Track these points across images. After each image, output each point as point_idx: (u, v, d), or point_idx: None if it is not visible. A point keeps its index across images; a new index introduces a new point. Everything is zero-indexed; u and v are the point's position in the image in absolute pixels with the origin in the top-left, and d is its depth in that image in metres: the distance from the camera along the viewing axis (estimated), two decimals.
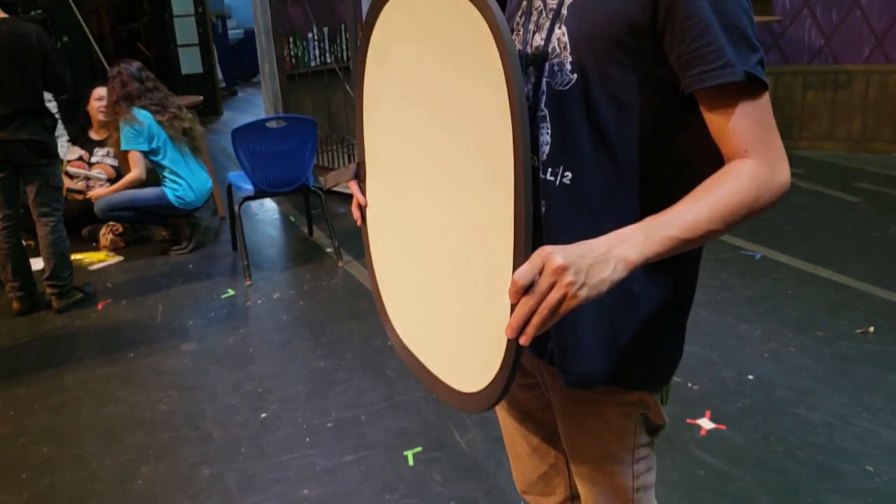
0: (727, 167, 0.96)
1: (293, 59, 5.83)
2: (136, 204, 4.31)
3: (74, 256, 4.08)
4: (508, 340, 0.91)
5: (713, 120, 0.96)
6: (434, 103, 1.08)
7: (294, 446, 2.49)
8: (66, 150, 4.83)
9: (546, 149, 1.04)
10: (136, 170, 4.29)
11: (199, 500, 2.25)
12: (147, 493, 2.30)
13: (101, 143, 4.82)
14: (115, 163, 4.75)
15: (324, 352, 3.15)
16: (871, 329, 3.02)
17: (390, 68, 1.19)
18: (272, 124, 4.07)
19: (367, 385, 2.86)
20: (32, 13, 6.11)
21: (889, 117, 5.77)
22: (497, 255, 0.94)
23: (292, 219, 5.14)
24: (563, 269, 0.83)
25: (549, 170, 1.04)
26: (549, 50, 1.03)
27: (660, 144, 1.02)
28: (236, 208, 4.13)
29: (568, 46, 1.01)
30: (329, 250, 4.35)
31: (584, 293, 0.85)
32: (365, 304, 3.51)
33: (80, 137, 4.90)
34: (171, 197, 4.29)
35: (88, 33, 6.53)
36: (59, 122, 4.69)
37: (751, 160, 0.94)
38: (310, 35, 5.80)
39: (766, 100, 0.96)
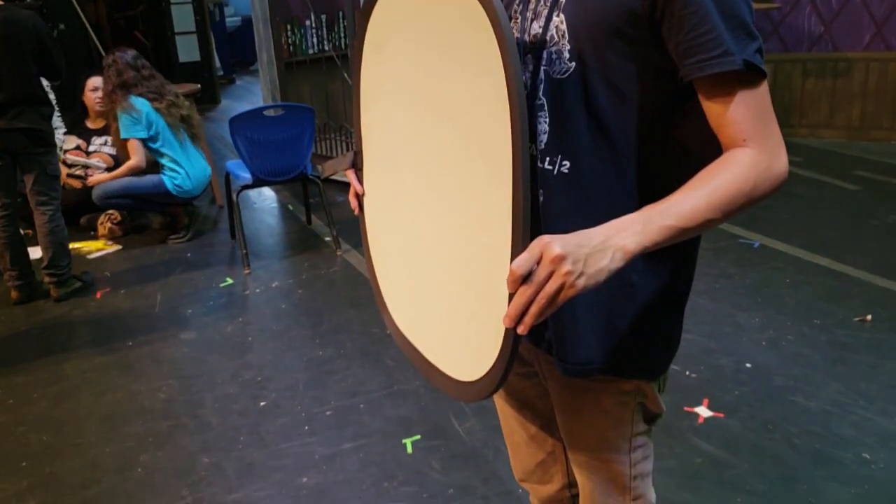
0: (725, 156, 0.95)
1: (291, 47, 5.80)
2: (135, 192, 4.31)
3: (73, 245, 4.08)
4: (506, 329, 0.91)
5: (711, 108, 0.96)
6: (432, 92, 1.08)
7: (293, 434, 2.50)
8: (63, 140, 4.82)
9: (544, 137, 1.04)
10: (136, 157, 4.28)
11: (199, 487, 2.26)
12: (146, 481, 2.31)
13: (99, 133, 4.80)
14: (113, 151, 4.73)
15: (322, 340, 3.15)
16: (869, 317, 3.03)
17: (388, 57, 1.19)
18: (270, 112, 4.06)
19: (365, 373, 2.86)
20: (28, 0, 6.07)
21: (889, 105, 5.76)
22: (495, 244, 0.94)
23: (290, 207, 5.14)
24: (561, 259, 0.83)
25: (548, 158, 1.04)
26: (548, 38, 1.03)
27: (658, 133, 1.02)
28: (234, 197, 4.12)
29: (566, 34, 1.00)
30: (327, 239, 4.35)
31: (581, 282, 0.85)
32: (363, 293, 3.51)
33: (77, 126, 4.88)
34: (169, 185, 4.29)
35: (85, 21, 6.50)
36: (56, 111, 4.67)
37: (749, 149, 0.94)
38: (308, 23, 5.77)
39: (764, 88, 0.96)
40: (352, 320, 3.31)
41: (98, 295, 3.76)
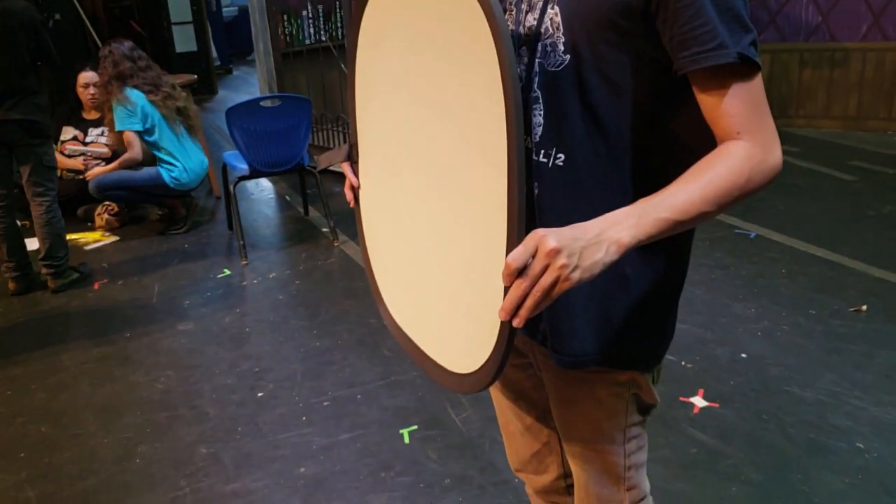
0: (719, 149, 0.96)
1: (288, 38, 5.79)
2: (131, 184, 4.31)
3: (70, 236, 4.07)
4: (502, 322, 0.92)
5: (706, 101, 0.96)
6: (427, 85, 1.08)
7: (290, 425, 2.51)
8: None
9: (539, 130, 1.04)
10: (132, 150, 4.28)
11: (197, 478, 2.27)
12: (145, 472, 2.32)
13: (95, 123, 4.79)
14: (110, 142, 4.72)
15: (320, 331, 3.16)
16: (864, 307, 3.04)
17: (383, 49, 1.19)
18: (267, 103, 4.06)
19: (363, 364, 2.87)
20: None
21: (885, 95, 5.76)
22: (490, 238, 0.95)
23: (288, 198, 5.13)
24: (556, 252, 0.84)
25: (542, 151, 1.04)
26: (542, 30, 1.03)
27: (653, 126, 1.02)
28: (231, 188, 4.12)
29: (561, 27, 1.00)
30: (325, 230, 4.35)
31: (576, 276, 0.85)
32: (361, 284, 3.52)
33: (73, 117, 4.87)
34: (166, 178, 4.28)
35: (81, 11, 6.46)
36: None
37: (743, 141, 0.94)
38: (304, 13, 5.75)
39: (758, 81, 0.96)
40: (349, 311, 3.32)
41: (96, 286, 3.77)
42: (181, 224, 4.52)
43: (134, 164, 4.32)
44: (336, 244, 4.13)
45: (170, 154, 4.31)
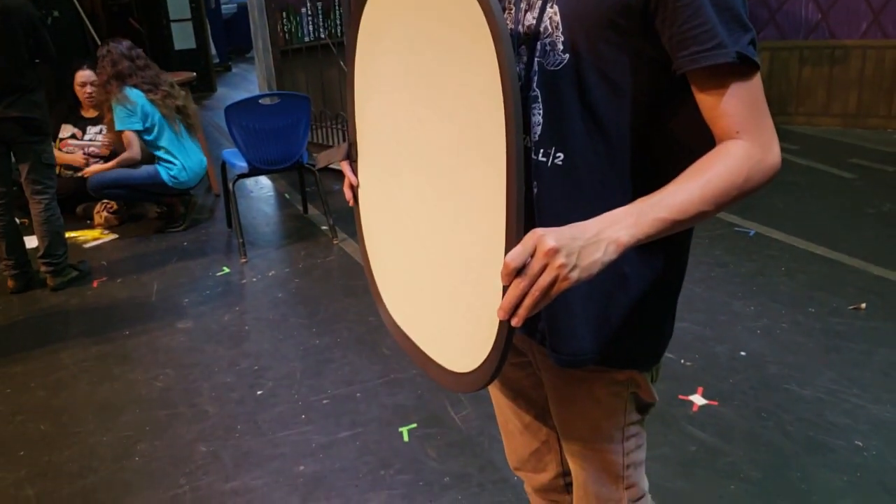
0: (718, 148, 0.96)
1: (287, 35, 5.78)
2: (130, 182, 4.30)
3: (69, 234, 4.07)
4: (500, 321, 0.92)
5: (705, 100, 0.96)
6: (426, 84, 1.08)
7: (290, 423, 2.51)
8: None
9: (538, 129, 1.04)
10: (131, 150, 4.27)
11: (196, 476, 2.28)
12: (144, 470, 2.32)
13: (94, 122, 4.79)
14: (108, 141, 4.72)
15: (319, 329, 3.16)
16: (863, 305, 3.05)
17: (382, 48, 1.19)
18: (265, 101, 4.06)
19: (362, 362, 2.87)
20: None
21: (885, 93, 5.76)
22: (489, 237, 0.95)
23: (287, 196, 5.13)
24: (554, 252, 0.84)
25: (541, 150, 1.04)
26: (541, 29, 1.03)
27: (652, 125, 1.02)
28: (231, 186, 4.12)
29: (560, 26, 1.00)
30: (324, 227, 4.35)
31: (575, 275, 0.85)
32: (360, 282, 3.52)
33: (72, 116, 4.86)
34: (164, 176, 4.28)
35: (79, 8, 6.45)
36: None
37: (742, 141, 0.94)
38: (303, 10, 5.75)
39: (757, 80, 0.96)
40: (348, 309, 3.32)
41: (95, 284, 3.77)
42: (180, 222, 4.52)
43: (133, 163, 4.32)
44: (335, 242, 4.13)
45: (169, 153, 4.30)
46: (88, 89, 4.62)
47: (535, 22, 1.04)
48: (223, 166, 4.37)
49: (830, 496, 2.03)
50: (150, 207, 4.75)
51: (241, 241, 4.03)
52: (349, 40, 1.28)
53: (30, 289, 3.71)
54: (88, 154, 4.71)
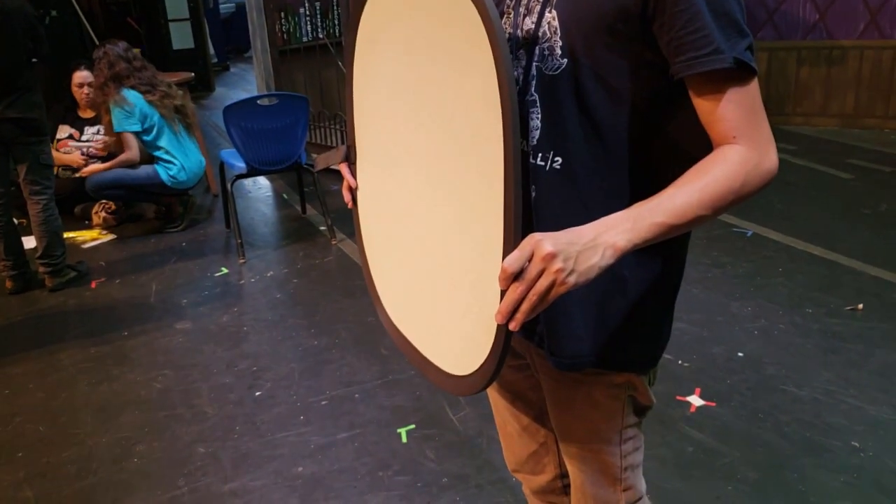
0: (715, 153, 0.96)
1: (285, 35, 5.78)
2: (129, 182, 4.30)
3: (67, 234, 4.07)
4: (498, 325, 0.92)
5: (702, 105, 0.97)
6: (424, 87, 1.08)
7: (288, 424, 2.52)
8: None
9: (536, 134, 1.04)
10: (130, 151, 4.27)
11: (195, 477, 2.28)
12: (143, 471, 2.32)
13: (91, 122, 4.78)
14: (106, 141, 4.71)
15: (317, 330, 3.16)
16: (861, 306, 3.05)
17: (380, 51, 1.19)
18: (264, 102, 4.06)
19: (360, 363, 2.88)
20: None
21: (882, 93, 5.77)
22: (487, 241, 0.95)
23: (285, 196, 5.13)
24: (552, 257, 0.84)
25: (540, 155, 1.04)
26: (540, 34, 1.03)
27: (650, 129, 1.02)
28: (229, 186, 4.12)
29: (558, 31, 1.01)
30: (322, 228, 4.35)
31: (572, 280, 0.86)
32: (358, 282, 3.52)
33: (69, 116, 4.86)
34: (163, 176, 4.28)
35: (77, 7, 6.45)
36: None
37: (739, 146, 0.95)
38: (301, 10, 5.75)
39: (754, 85, 0.96)
40: (346, 310, 3.32)
41: (93, 285, 3.77)
42: (178, 222, 4.52)
43: (131, 165, 4.32)
44: (334, 242, 4.13)
45: (168, 153, 4.30)
46: (86, 90, 4.62)
47: (533, 26, 1.04)
48: (221, 167, 4.37)
49: (827, 497, 2.04)
50: (149, 208, 4.75)
51: (239, 241, 4.04)
52: (348, 43, 1.29)
53: (28, 289, 3.71)
54: (87, 155, 4.70)
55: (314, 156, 5.31)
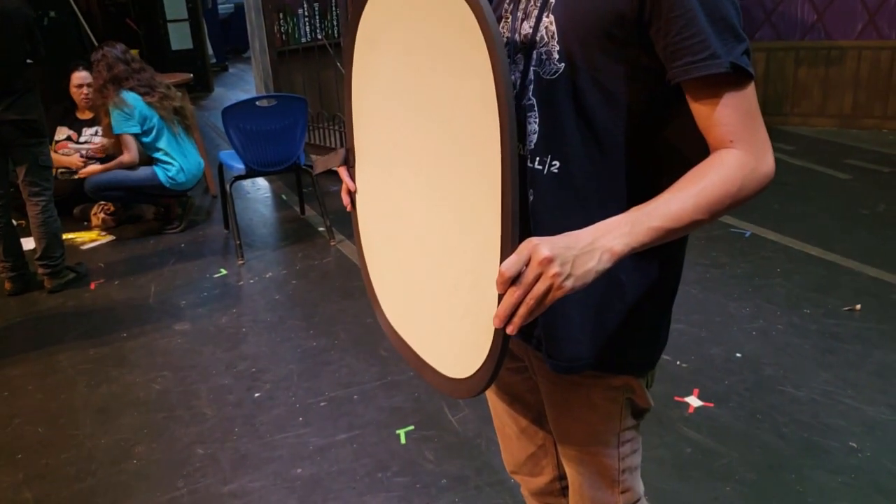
0: (712, 157, 0.97)
1: (283, 36, 5.78)
2: (128, 184, 4.30)
3: (66, 236, 4.07)
4: (496, 329, 0.93)
5: (699, 110, 0.97)
6: (422, 91, 1.09)
7: (287, 425, 2.52)
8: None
9: (534, 138, 1.05)
10: (129, 153, 4.27)
11: (194, 479, 2.28)
12: (142, 473, 2.32)
13: (89, 123, 4.78)
14: (104, 141, 4.71)
15: (316, 331, 3.17)
16: (858, 307, 3.06)
17: (379, 54, 1.19)
18: (262, 103, 4.06)
19: (359, 364, 2.88)
20: None
21: (880, 93, 5.78)
22: (485, 244, 0.96)
23: (284, 197, 5.14)
24: (549, 261, 0.85)
25: (538, 158, 1.05)
26: (537, 38, 1.03)
27: (647, 133, 1.03)
28: (228, 187, 4.12)
29: (556, 35, 1.01)
30: (321, 229, 4.36)
31: (569, 284, 0.86)
32: (357, 283, 3.52)
33: (67, 118, 4.86)
34: (162, 177, 4.29)
35: (76, 8, 6.45)
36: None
37: (736, 150, 0.95)
38: (300, 11, 5.75)
39: (751, 90, 0.97)
40: (345, 311, 3.33)
41: (92, 286, 3.77)
42: (177, 223, 4.53)
43: (131, 166, 4.32)
44: (332, 243, 4.14)
45: (167, 154, 4.31)
46: (85, 90, 4.61)
47: (531, 31, 1.05)
48: (220, 168, 4.37)
49: (825, 497, 2.04)
50: (148, 209, 4.75)
51: (238, 242, 4.04)
52: (347, 46, 1.29)
53: (27, 291, 3.72)
54: (86, 157, 4.70)
55: (313, 157, 5.31)
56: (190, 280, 3.79)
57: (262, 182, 5.47)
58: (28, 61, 3.50)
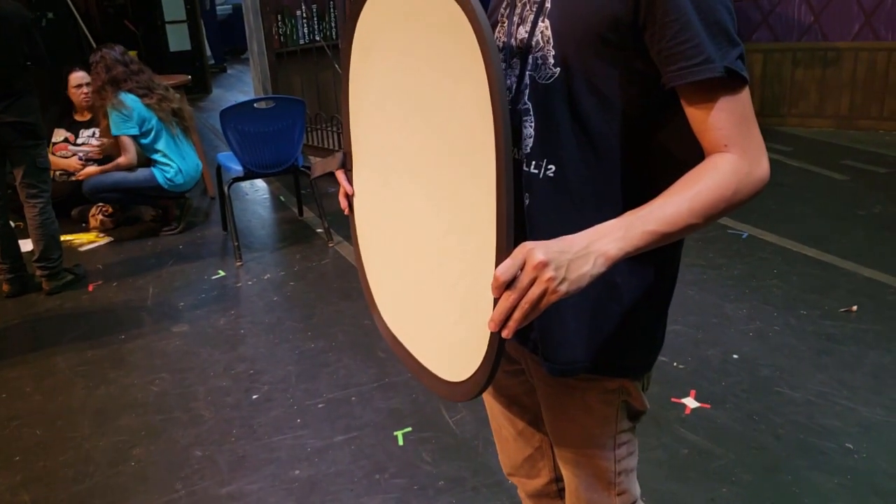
0: (707, 161, 0.97)
1: (282, 38, 5.79)
2: (126, 185, 4.31)
3: (64, 237, 4.08)
4: (491, 333, 0.93)
5: (693, 114, 0.98)
6: (418, 96, 1.09)
7: (285, 427, 2.53)
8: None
9: (530, 142, 1.05)
10: (128, 155, 4.28)
11: (192, 481, 2.29)
12: (139, 475, 2.33)
13: (87, 125, 4.79)
14: (101, 143, 4.72)
15: (314, 333, 3.17)
16: (854, 308, 3.07)
17: (376, 59, 1.20)
18: (261, 105, 4.07)
19: (357, 366, 2.89)
20: None
21: (877, 95, 5.80)
22: (480, 248, 0.96)
23: (282, 199, 5.14)
24: (543, 265, 0.85)
25: (533, 163, 1.05)
26: (533, 43, 1.04)
27: (642, 137, 1.03)
28: (226, 189, 4.13)
29: (551, 40, 1.02)
30: (319, 230, 4.36)
31: (564, 288, 0.87)
32: (355, 285, 3.53)
33: (64, 120, 4.86)
34: (160, 179, 4.29)
35: (74, 9, 6.45)
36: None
37: (730, 154, 0.96)
38: (298, 13, 5.75)
39: (745, 94, 0.97)
40: (343, 312, 3.33)
41: (90, 288, 3.77)
42: (175, 225, 4.53)
43: (129, 168, 4.32)
44: (330, 245, 4.14)
45: (166, 156, 4.31)
46: (84, 90, 4.61)
47: (527, 36, 1.05)
48: (218, 169, 4.38)
49: (821, 499, 2.05)
50: (146, 210, 4.75)
51: (236, 244, 4.04)
52: (344, 51, 1.30)
53: (25, 293, 3.72)
54: (84, 159, 4.71)
55: (311, 158, 5.33)
56: (188, 282, 3.79)
57: (260, 184, 5.48)
58: (28, 64, 3.50)
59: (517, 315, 0.87)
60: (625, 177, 1.04)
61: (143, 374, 2.92)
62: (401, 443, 2.40)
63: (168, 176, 4.30)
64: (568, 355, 1.09)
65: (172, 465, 2.36)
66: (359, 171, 1.32)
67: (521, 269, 0.86)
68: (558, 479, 1.39)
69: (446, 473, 2.24)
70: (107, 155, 4.63)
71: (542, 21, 1.03)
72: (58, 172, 4.60)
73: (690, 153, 1.00)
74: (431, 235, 1.10)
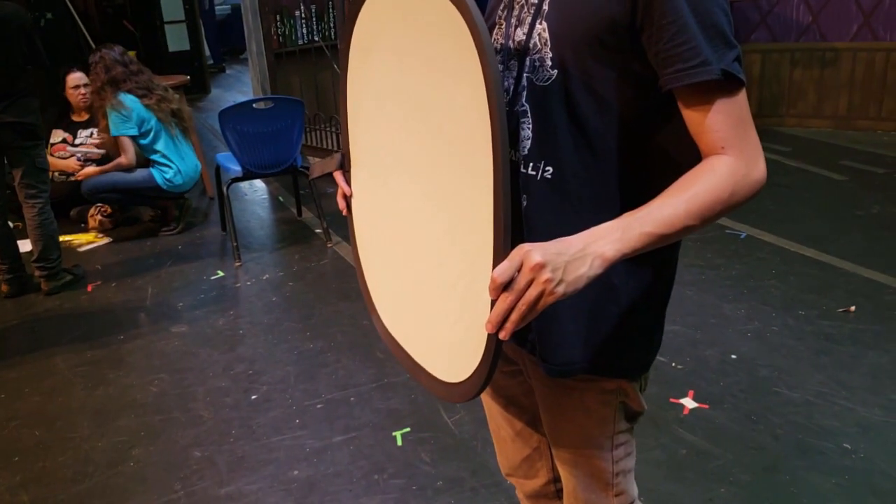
0: (704, 163, 0.97)
1: (280, 38, 5.79)
2: (125, 186, 4.31)
3: (63, 238, 4.08)
4: (489, 334, 0.94)
5: (690, 116, 0.98)
6: (416, 98, 1.09)
7: (284, 427, 2.53)
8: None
9: (527, 143, 1.05)
10: (127, 155, 4.28)
11: (190, 481, 2.29)
12: (139, 475, 2.33)
13: (85, 125, 4.79)
14: (100, 144, 4.72)
15: (313, 333, 3.17)
16: (853, 308, 3.07)
17: (374, 60, 1.20)
18: (259, 105, 4.07)
19: (356, 366, 2.89)
20: None
21: (875, 95, 5.80)
22: (478, 250, 0.97)
23: (281, 199, 5.14)
24: (540, 267, 0.86)
25: (531, 164, 1.06)
26: (531, 45, 1.04)
27: (639, 139, 1.04)
28: (225, 189, 4.13)
29: (549, 42, 1.02)
30: (318, 231, 4.36)
31: (561, 290, 0.87)
32: (354, 285, 3.53)
33: (62, 120, 4.86)
34: (159, 180, 4.29)
35: (73, 10, 6.45)
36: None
37: (727, 156, 0.96)
38: (297, 13, 5.76)
39: (742, 96, 0.98)
40: (342, 313, 3.33)
41: (89, 288, 3.77)
42: (174, 225, 4.53)
43: (128, 168, 4.32)
44: (329, 245, 4.14)
45: (165, 156, 4.31)
46: (83, 90, 4.61)
47: (524, 38, 1.06)
48: (217, 170, 4.38)
49: (819, 499, 2.05)
50: (145, 211, 4.76)
51: (235, 244, 4.05)
52: (342, 52, 1.30)
53: (24, 293, 3.72)
54: (83, 160, 4.71)
55: (310, 159, 5.33)
56: (187, 282, 3.79)
57: (259, 184, 5.48)
58: (28, 66, 3.51)
59: (514, 317, 0.87)
60: (622, 178, 1.04)
61: (142, 375, 2.92)
62: (399, 443, 2.40)
63: (167, 176, 4.30)
64: (566, 356, 1.10)
65: (171, 465, 2.37)
66: (357, 172, 1.32)
67: (519, 270, 0.87)
68: (556, 479, 1.39)
69: (445, 474, 2.24)
70: (106, 155, 4.63)
71: (540, 23, 1.03)
72: (56, 173, 4.60)
73: (688, 155, 1.00)
74: (430, 236, 1.11)
